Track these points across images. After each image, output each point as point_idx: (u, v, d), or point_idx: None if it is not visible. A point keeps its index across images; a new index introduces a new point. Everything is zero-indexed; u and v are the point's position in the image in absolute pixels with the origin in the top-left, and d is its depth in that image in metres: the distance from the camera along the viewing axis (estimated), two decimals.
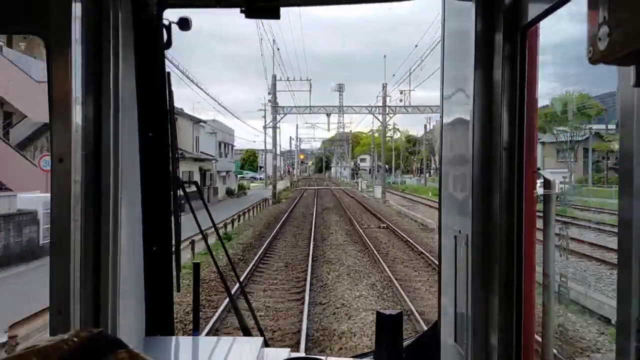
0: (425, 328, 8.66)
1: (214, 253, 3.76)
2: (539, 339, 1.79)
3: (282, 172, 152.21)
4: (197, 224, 3.05)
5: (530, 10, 1.67)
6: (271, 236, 25.44)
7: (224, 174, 61.90)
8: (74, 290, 2.08)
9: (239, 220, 32.83)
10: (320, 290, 15.28)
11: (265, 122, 64.14)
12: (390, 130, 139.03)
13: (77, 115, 2.08)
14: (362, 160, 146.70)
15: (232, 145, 71.04)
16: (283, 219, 33.86)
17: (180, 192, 2.75)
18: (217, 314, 12.01)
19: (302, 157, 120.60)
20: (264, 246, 22.39)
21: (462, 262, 1.95)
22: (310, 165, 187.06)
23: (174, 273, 2.76)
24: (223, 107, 71.60)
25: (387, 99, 65.84)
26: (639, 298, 1.08)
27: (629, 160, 1.12)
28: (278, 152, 70.57)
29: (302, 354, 3.43)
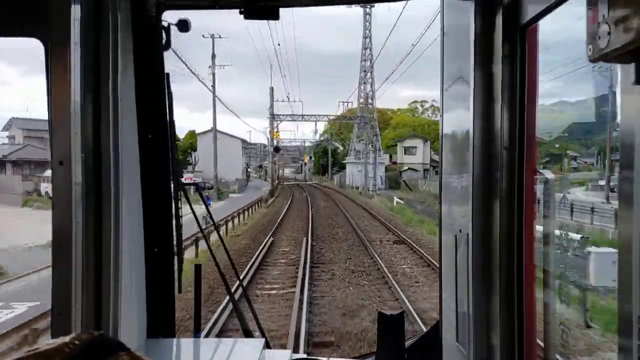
0: None
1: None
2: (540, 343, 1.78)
3: (267, 174, 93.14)
4: (198, 225, 3.06)
5: (529, 9, 1.66)
6: None
7: None
8: (75, 292, 2.08)
9: None
10: None
11: None
12: (427, 109, 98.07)
13: (76, 118, 2.08)
14: (409, 150, 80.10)
15: None
16: None
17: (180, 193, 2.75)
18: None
19: (277, 136, 69.28)
20: None
21: (463, 261, 1.95)
22: (306, 163, 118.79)
23: (176, 274, 2.76)
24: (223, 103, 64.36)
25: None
26: None
27: (629, 158, 1.12)
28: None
29: (303, 355, 3.43)
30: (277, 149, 68.67)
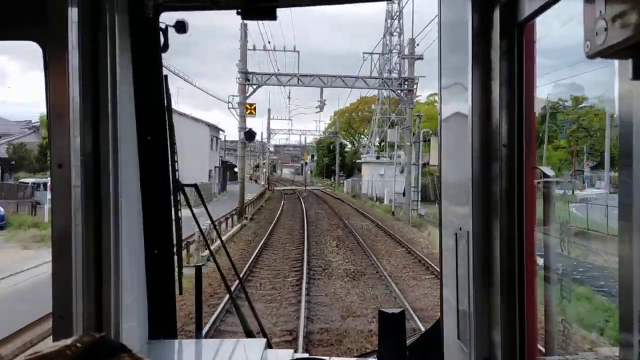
0: None
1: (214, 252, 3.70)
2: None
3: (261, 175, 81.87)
4: (198, 226, 3.06)
5: (527, 6, 1.66)
6: None
7: None
8: (76, 294, 2.08)
9: None
10: None
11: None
12: None
13: (75, 121, 2.08)
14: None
15: None
16: None
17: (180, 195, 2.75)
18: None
19: (252, 112, 35.61)
20: None
21: (463, 259, 1.95)
22: (307, 163, 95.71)
23: (176, 276, 2.76)
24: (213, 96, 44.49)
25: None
26: None
27: (628, 154, 1.12)
28: None
29: (305, 355, 3.43)
30: (250, 135, 37.30)
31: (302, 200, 49.56)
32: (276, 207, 42.92)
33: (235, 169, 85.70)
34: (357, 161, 68.84)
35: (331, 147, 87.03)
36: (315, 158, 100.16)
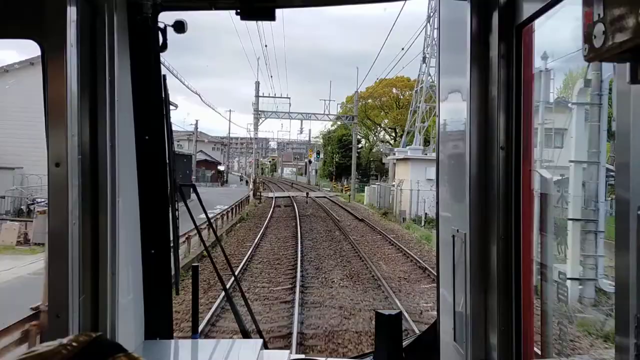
0: None
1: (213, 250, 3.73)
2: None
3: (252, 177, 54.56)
4: (195, 226, 3.05)
5: (525, 9, 1.67)
6: None
7: None
8: (72, 294, 2.07)
9: None
10: None
11: None
12: None
13: (73, 119, 2.07)
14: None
15: None
16: None
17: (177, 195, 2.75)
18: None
19: None
20: None
21: (460, 261, 1.95)
22: (311, 162, 79.08)
23: (173, 276, 2.76)
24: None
25: None
26: (637, 295, 1.08)
27: (625, 155, 1.12)
28: None
29: (301, 356, 3.42)
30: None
31: (300, 223, 29.00)
32: (240, 250, 20.33)
33: (221, 167, 70.63)
34: (389, 158, 46.88)
35: (343, 140, 66.81)
36: (322, 155, 78.62)
